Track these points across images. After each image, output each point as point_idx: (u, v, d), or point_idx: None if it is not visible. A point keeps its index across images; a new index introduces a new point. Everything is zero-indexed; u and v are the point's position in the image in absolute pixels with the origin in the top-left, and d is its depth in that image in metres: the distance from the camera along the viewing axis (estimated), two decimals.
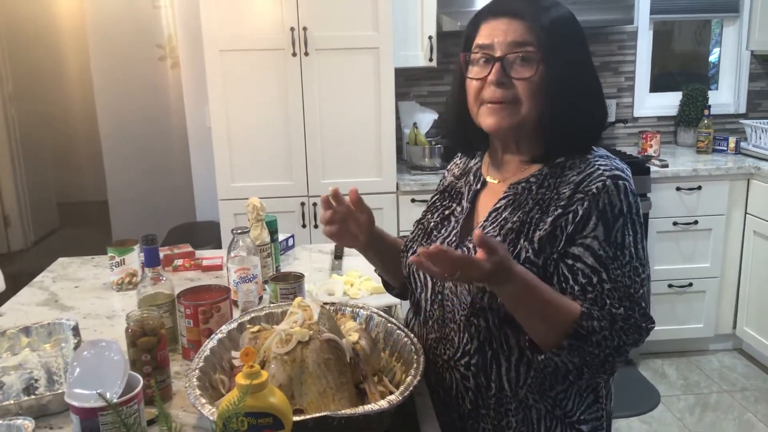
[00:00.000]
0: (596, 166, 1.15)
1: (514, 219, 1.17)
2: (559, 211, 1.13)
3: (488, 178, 1.29)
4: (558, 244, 1.12)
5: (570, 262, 1.11)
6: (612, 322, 1.08)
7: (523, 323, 1.12)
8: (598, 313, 1.08)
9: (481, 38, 1.18)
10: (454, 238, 1.25)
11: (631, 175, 1.17)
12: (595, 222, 1.10)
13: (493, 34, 1.16)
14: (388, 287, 1.51)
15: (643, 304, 1.11)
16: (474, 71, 1.19)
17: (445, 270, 0.98)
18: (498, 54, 1.15)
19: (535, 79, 1.14)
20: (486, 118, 1.18)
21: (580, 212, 1.11)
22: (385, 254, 1.40)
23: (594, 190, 1.11)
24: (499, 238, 1.16)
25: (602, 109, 1.22)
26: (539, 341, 1.11)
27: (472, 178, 1.32)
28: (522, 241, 1.14)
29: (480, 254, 0.99)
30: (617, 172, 1.14)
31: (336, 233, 1.30)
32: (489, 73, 1.15)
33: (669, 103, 3.91)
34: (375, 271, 1.51)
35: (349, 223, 1.31)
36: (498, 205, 1.21)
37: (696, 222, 3.33)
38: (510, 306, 1.10)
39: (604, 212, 1.11)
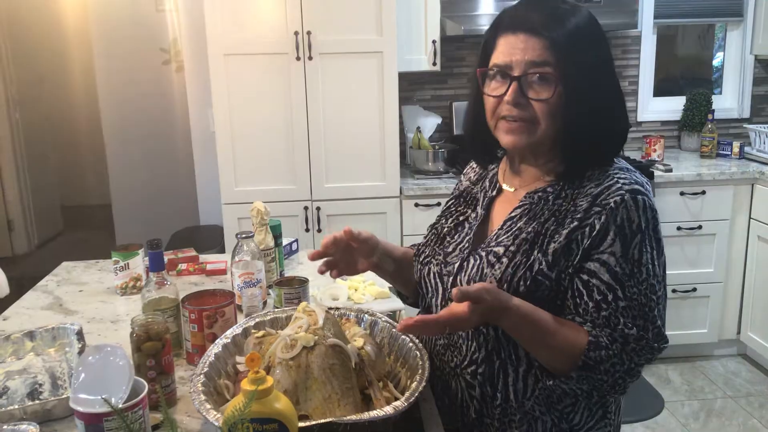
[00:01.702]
0: (615, 179, 1.12)
1: (529, 229, 1.15)
2: (575, 223, 1.11)
3: (504, 186, 1.27)
4: (573, 258, 1.10)
5: (585, 277, 1.10)
6: (624, 344, 1.07)
7: (528, 351, 1.12)
8: (607, 340, 1.06)
9: (499, 56, 1.15)
10: (467, 245, 1.24)
11: (651, 190, 1.15)
12: (612, 237, 1.08)
13: (511, 51, 1.12)
14: (402, 297, 1.50)
15: (658, 323, 1.10)
16: (491, 87, 1.17)
17: (433, 333, 1.02)
18: (516, 73, 1.12)
19: (552, 100, 1.11)
20: (503, 136, 1.17)
21: (597, 226, 1.09)
22: (395, 271, 1.38)
23: (612, 204, 1.09)
24: (512, 248, 1.15)
25: (624, 119, 1.19)
26: (546, 366, 1.11)
27: (488, 184, 1.31)
28: (536, 252, 1.12)
29: (462, 307, 1.01)
30: (636, 186, 1.11)
31: (336, 274, 1.30)
32: (506, 93, 1.13)
33: (673, 107, 3.91)
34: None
35: (348, 257, 1.30)
36: (513, 214, 1.20)
37: (700, 227, 3.32)
38: (512, 336, 1.10)
39: (622, 228, 1.09)
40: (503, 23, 1.16)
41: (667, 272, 1.15)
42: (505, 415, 1.18)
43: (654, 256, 1.10)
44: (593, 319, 1.09)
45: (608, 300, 1.08)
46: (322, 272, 1.29)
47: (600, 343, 1.06)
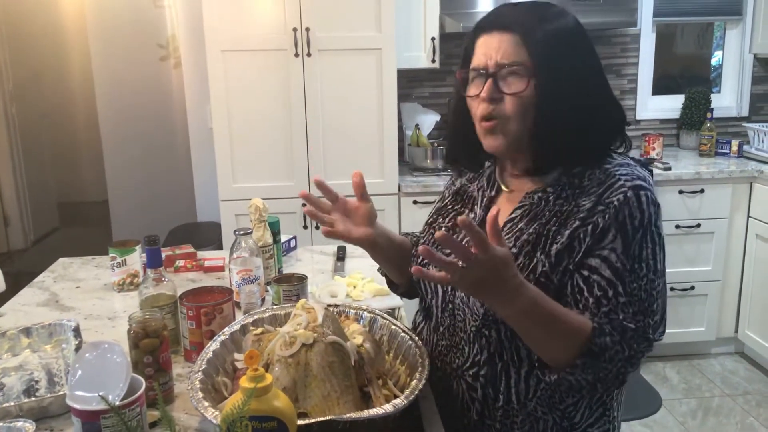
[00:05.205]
0: (617, 176, 1.12)
1: (530, 230, 1.14)
2: (578, 223, 1.10)
3: (503, 187, 1.26)
4: (575, 256, 1.10)
5: (586, 273, 1.09)
6: (622, 333, 1.06)
7: (533, 343, 1.09)
8: (610, 327, 1.05)
9: (476, 57, 1.16)
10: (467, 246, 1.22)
11: (652, 183, 1.14)
12: (614, 234, 1.08)
13: (487, 52, 1.14)
14: (393, 286, 1.47)
15: (656, 318, 1.09)
16: (471, 89, 1.18)
17: (459, 254, 0.96)
18: (491, 70, 1.13)
19: (525, 93, 1.11)
20: (484, 139, 1.17)
21: (600, 224, 1.09)
22: (391, 252, 1.34)
23: (615, 203, 1.09)
24: (514, 250, 1.14)
25: (610, 120, 1.17)
26: (550, 360, 1.09)
27: (485, 182, 1.29)
28: (538, 254, 1.11)
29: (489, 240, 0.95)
30: (639, 182, 1.11)
31: (333, 231, 1.23)
32: (482, 90, 1.14)
33: (671, 105, 3.91)
34: (378, 270, 1.46)
35: (348, 219, 1.25)
36: (513, 215, 1.19)
37: (698, 225, 3.32)
38: (520, 324, 1.06)
39: (624, 224, 1.08)
40: (479, 26, 1.18)
41: (666, 269, 1.15)
42: (506, 416, 1.17)
43: (655, 251, 1.10)
44: (593, 315, 1.08)
45: (609, 296, 1.07)
46: (325, 233, 1.21)
47: (604, 330, 1.05)
